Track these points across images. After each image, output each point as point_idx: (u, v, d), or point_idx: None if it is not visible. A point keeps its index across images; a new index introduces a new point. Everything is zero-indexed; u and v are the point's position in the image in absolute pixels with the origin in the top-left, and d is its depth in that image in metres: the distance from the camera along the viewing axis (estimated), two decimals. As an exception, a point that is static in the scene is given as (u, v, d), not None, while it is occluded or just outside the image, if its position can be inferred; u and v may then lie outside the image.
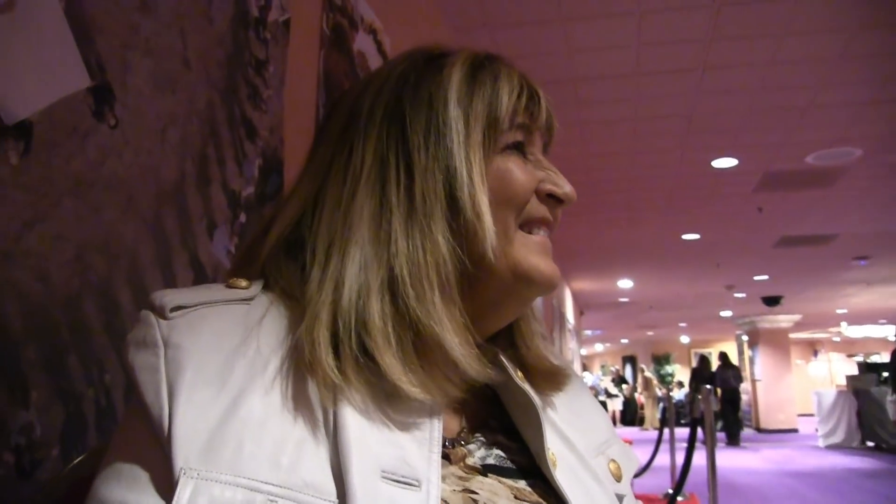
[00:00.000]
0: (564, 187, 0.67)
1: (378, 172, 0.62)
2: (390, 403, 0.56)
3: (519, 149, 0.67)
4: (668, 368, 22.77)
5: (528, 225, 0.66)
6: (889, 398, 9.67)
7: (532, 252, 0.65)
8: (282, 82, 1.51)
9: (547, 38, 3.51)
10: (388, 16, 2.25)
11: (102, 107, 0.96)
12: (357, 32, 1.93)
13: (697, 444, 4.39)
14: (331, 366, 0.53)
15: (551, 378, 0.72)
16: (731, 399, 13.71)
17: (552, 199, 0.68)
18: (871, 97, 4.28)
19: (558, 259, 0.67)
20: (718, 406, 12.96)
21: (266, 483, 0.48)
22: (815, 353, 23.79)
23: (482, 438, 0.66)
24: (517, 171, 0.65)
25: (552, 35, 3.48)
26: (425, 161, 0.61)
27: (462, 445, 0.64)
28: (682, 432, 5.15)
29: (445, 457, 0.61)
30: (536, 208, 0.66)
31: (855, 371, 13.65)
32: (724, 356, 14.86)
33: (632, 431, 15.93)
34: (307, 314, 0.56)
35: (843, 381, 13.10)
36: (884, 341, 9.46)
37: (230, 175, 1.30)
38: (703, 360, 15.52)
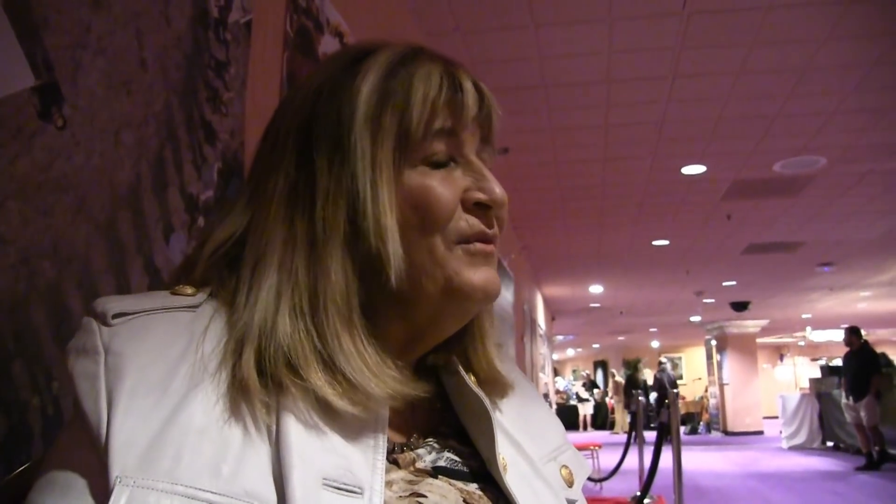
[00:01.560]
0: (492, 193, 0.62)
1: (287, 199, 0.60)
2: (335, 413, 0.55)
3: (438, 161, 0.62)
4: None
5: (464, 243, 0.62)
6: (843, 401, 9.87)
7: (465, 266, 0.61)
8: (243, 85, 1.49)
9: (518, 43, 3.52)
10: (357, 20, 2.23)
11: (49, 107, 0.93)
12: (323, 35, 1.91)
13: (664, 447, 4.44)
14: (262, 382, 0.53)
15: (500, 381, 0.71)
16: (665, 400, 14.98)
17: (481, 207, 0.63)
18: (836, 107, 4.36)
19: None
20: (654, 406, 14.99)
21: (204, 491, 0.48)
22: (781, 358, 24.12)
23: (434, 444, 0.65)
24: (436, 187, 0.60)
25: (524, 41, 3.49)
26: (327, 185, 0.59)
27: (411, 450, 0.63)
28: (652, 436, 5.21)
29: (394, 462, 0.60)
30: (469, 224, 0.62)
31: (818, 374, 13.91)
32: (660, 363, 17.79)
33: (602, 435, 16.06)
34: (236, 331, 0.56)
35: (807, 385, 13.38)
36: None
37: (188, 178, 1.28)
38: (635, 368, 18.92)
